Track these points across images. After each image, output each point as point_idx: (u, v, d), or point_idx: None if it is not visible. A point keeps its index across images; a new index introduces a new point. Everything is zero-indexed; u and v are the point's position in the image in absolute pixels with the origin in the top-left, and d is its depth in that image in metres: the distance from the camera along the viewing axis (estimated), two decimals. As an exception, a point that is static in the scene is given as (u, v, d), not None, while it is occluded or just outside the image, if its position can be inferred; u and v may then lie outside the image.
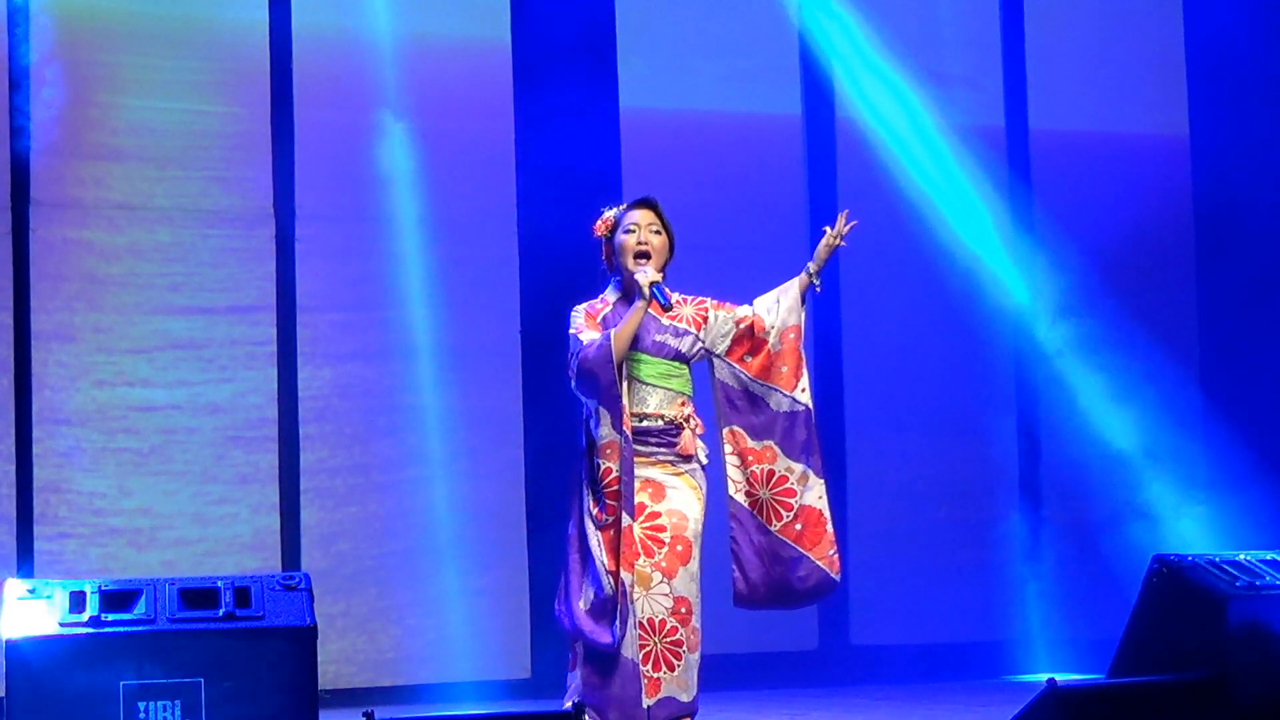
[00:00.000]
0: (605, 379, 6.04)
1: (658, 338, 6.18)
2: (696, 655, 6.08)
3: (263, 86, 8.81)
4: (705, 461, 6.21)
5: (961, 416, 9.93)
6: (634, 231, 6.19)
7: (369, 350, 8.92)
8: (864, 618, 9.72)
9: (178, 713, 5.36)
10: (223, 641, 5.43)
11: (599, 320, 6.19)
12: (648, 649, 6.02)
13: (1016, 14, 10.21)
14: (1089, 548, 9.85)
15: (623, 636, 5.98)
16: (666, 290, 6.14)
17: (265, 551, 8.61)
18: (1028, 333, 10.09)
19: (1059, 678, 5.70)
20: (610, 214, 6.29)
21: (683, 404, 6.18)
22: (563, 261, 8.31)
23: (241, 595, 5.52)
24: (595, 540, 6.06)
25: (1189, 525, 9.70)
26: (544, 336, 8.43)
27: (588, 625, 6.04)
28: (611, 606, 5.99)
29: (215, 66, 8.76)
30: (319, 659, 5.54)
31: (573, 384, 6.16)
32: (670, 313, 6.19)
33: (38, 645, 5.34)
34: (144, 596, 5.48)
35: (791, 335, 6.27)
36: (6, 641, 5.35)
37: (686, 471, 6.15)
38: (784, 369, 6.26)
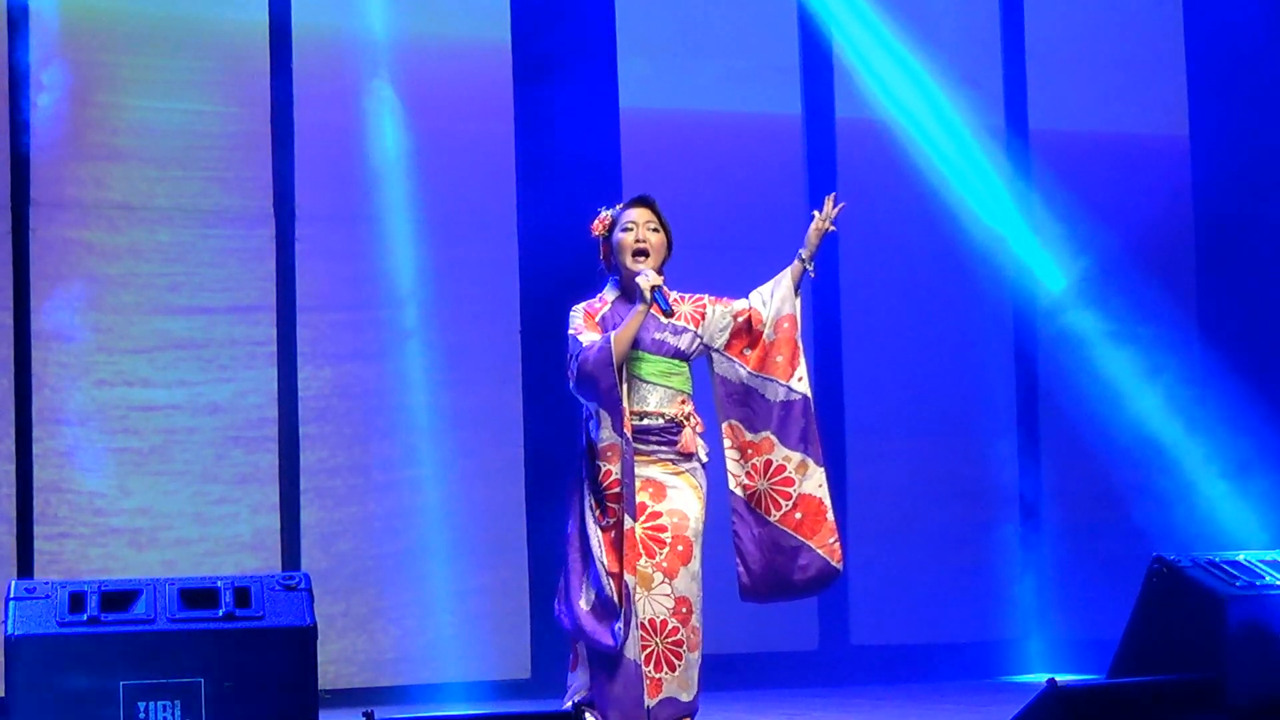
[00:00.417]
0: (605, 382, 6.04)
1: (657, 335, 6.18)
2: (697, 655, 6.08)
3: (263, 86, 8.81)
4: (706, 460, 6.20)
5: (961, 417, 9.92)
6: (632, 229, 6.19)
7: (369, 350, 8.92)
8: (864, 618, 9.72)
9: (178, 713, 5.36)
10: (223, 641, 5.43)
11: (598, 320, 6.19)
12: (649, 650, 6.02)
13: (1016, 14, 10.21)
14: (1089, 548, 9.85)
15: (626, 639, 5.98)
16: (668, 293, 6.13)
17: (265, 551, 8.61)
18: (1028, 333, 10.09)
19: (1059, 678, 5.71)
20: (608, 213, 6.29)
21: (683, 402, 6.18)
22: (562, 261, 8.30)
23: (241, 595, 5.53)
24: (596, 540, 6.06)
25: (1189, 524, 9.70)
26: (544, 336, 8.43)
27: (589, 625, 6.04)
28: (613, 608, 5.99)
29: (215, 66, 8.76)
30: (319, 659, 5.54)
31: (571, 385, 6.16)
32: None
33: (38, 645, 5.34)
34: (144, 596, 5.48)
35: (785, 324, 6.25)
36: (6, 641, 5.35)
37: (687, 470, 6.15)
38: (779, 359, 6.24)
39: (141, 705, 5.34)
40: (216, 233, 8.72)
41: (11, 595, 5.44)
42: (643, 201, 6.25)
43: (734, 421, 6.27)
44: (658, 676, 6.02)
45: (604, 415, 6.07)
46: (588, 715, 5.96)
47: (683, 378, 6.21)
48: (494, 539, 8.97)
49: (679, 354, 6.20)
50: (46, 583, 5.56)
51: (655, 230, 6.20)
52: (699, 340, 6.24)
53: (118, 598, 5.48)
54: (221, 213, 8.73)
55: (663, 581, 6.03)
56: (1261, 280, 10.09)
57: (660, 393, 6.15)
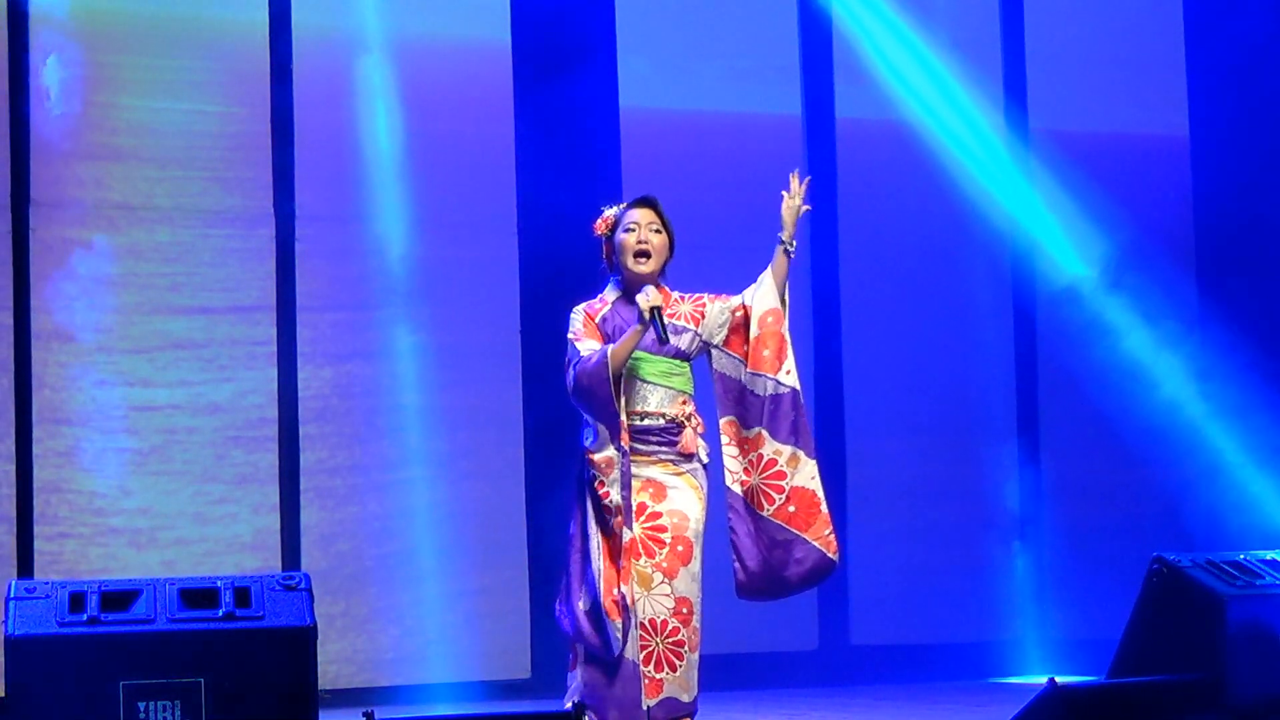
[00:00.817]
0: (601, 396, 6.01)
1: (657, 336, 6.18)
2: (697, 655, 6.08)
3: (263, 86, 8.81)
4: (706, 460, 6.19)
5: (962, 418, 9.93)
6: (634, 230, 6.18)
7: (369, 350, 8.92)
8: (864, 618, 9.72)
9: (178, 713, 5.35)
10: (223, 641, 5.42)
11: (598, 320, 6.18)
12: (649, 650, 6.02)
13: (1016, 14, 10.21)
14: (1089, 548, 9.85)
15: (623, 648, 5.98)
16: (668, 313, 6.08)
17: (265, 551, 8.61)
18: (1028, 333, 10.09)
19: (1059, 678, 5.70)
20: (610, 213, 6.28)
21: (684, 402, 6.18)
22: (563, 261, 8.31)
23: (241, 595, 5.52)
24: (596, 544, 6.05)
25: (1190, 524, 9.70)
26: (544, 336, 8.43)
27: (588, 628, 6.04)
28: (601, 618, 5.98)
29: (215, 66, 8.76)
30: (319, 659, 5.53)
31: (569, 391, 6.15)
32: (666, 346, 6.14)
33: (38, 645, 5.33)
34: (144, 596, 5.47)
35: (770, 319, 6.21)
36: (6, 641, 5.34)
37: (688, 471, 6.14)
38: (765, 352, 6.21)
39: (141, 705, 5.33)
40: (216, 233, 8.72)
41: (11, 595, 5.44)
42: (646, 202, 6.24)
43: (731, 417, 6.26)
44: (658, 677, 6.02)
45: (601, 429, 6.06)
46: (588, 715, 5.95)
47: (684, 378, 6.20)
48: (494, 539, 8.98)
49: (680, 354, 6.19)
50: (46, 583, 5.55)
51: (658, 231, 6.19)
52: (699, 339, 6.23)
53: (118, 598, 5.47)
54: (221, 213, 8.73)
55: (662, 581, 6.03)
56: (1262, 280, 10.09)
57: (661, 393, 6.15)
